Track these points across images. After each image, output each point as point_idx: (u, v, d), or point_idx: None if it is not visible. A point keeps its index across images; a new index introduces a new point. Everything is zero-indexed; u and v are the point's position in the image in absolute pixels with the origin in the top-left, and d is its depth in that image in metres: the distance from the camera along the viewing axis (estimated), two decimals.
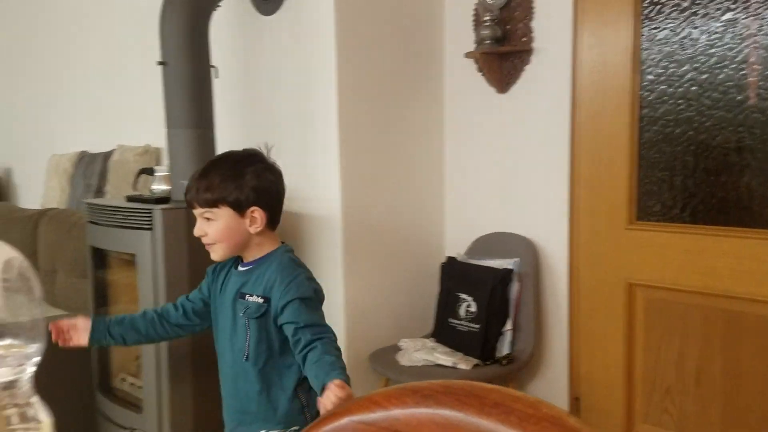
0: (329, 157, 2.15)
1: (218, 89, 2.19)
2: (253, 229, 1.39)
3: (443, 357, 2.03)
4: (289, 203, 2.26)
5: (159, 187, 2.18)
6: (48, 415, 0.53)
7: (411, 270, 2.36)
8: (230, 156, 1.46)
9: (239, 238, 1.40)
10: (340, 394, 1.14)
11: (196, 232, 1.41)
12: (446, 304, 2.21)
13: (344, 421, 0.58)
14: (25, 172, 4.29)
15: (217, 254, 1.42)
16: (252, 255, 1.43)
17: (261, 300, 1.37)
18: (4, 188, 4.41)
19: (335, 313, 2.16)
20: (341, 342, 2.16)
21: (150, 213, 1.89)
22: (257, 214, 1.38)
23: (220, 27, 2.29)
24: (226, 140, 2.26)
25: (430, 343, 2.17)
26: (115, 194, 3.00)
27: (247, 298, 1.39)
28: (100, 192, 3.12)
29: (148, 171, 2.23)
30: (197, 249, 1.91)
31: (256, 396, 1.38)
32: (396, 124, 2.31)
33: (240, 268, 1.45)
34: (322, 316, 1.37)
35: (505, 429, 0.51)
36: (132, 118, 3.20)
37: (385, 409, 0.58)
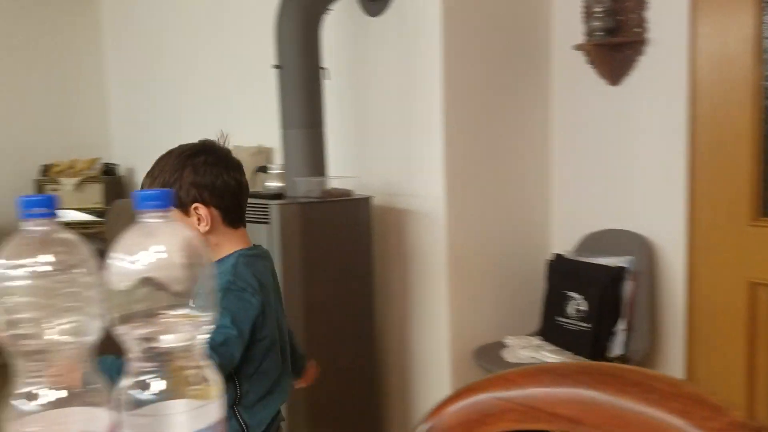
0: (433, 154, 2.18)
1: (328, 90, 2.28)
2: (202, 228, 1.26)
3: (551, 355, 2.01)
4: (392, 199, 2.33)
5: (273, 184, 2.29)
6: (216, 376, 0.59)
7: (515, 266, 2.35)
8: (175, 150, 1.35)
9: None
10: None
11: None
12: (553, 302, 2.18)
13: (482, 396, 0.61)
14: (146, 171, 4.63)
15: None
16: (216, 256, 1.31)
17: None
18: (127, 187, 4.79)
19: (437, 309, 2.19)
20: (444, 337, 2.22)
21: (267, 208, 2.00)
22: (201, 211, 1.26)
23: (329, 29, 2.39)
24: (336, 139, 2.35)
25: (536, 341, 2.15)
26: None
27: None
28: None
29: (263, 169, 2.36)
30: (311, 243, 2.00)
31: None
32: (501, 119, 2.31)
33: None
34: (239, 333, 1.20)
35: (645, 407, 0.51)
36: (246, 120, 3.38)
37: (520, 387, 0.60)
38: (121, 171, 4.81)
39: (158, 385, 0.57)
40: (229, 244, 1.31)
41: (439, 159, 2.16)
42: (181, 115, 4.08)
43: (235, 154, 3.65)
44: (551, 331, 2.17)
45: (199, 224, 1.27)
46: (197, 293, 0.58)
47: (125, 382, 0.57)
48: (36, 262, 0.55)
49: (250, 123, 3.34)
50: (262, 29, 3.01)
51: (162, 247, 0.58)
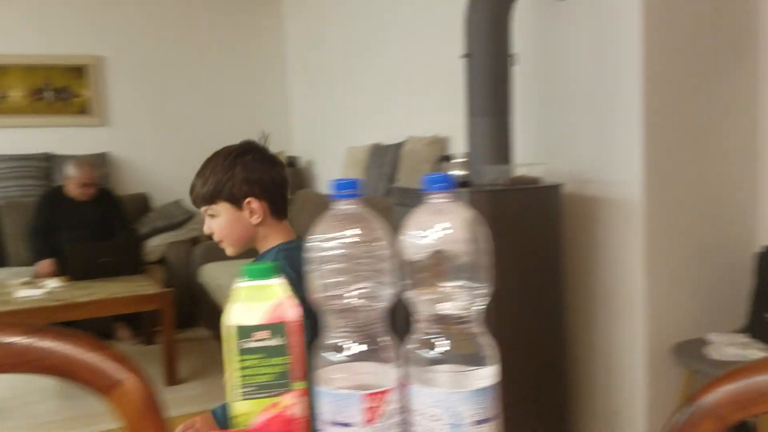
0: (630, 140, 2.10)
1: (515, 76, 2.28)
2: (254, 220, 1.35)
3: (761, 354, 1.86)
4: (583, 186, 2.28)
5: (456, 172, 2.34)
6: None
7: (718, 258, 2.20)
8: (222, 151, 1.41)
9: (243, 231, 1.37)
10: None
11: (204, 229, 1.42)
12: (763, 298, 2.01)
13: (760, 377, 0.60)
14: (324, 163, 4.93)
15: (228, 251, 1.42)
16: (261, 248, 1.40)
17: None
18: (307, 177, 5.13)
19: (632, 302, 2.11)
20: (640, 332, 2.13)
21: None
22: (254, 204, 1.35)
23: (517, 14, 2.38)
24: (523, 126, 2.34)
25: (743, 338, 2.00)
26: (407, 181, 3.30)
27: None
28: (392, 179, 3.46)
29: (446, 158, 2.42)
30: (499, 231, 2.02)
31: None
32: (704, 102, 2.16)
33: None
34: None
35: None
36: (420, 111, 3.48)
37: None
38: (302, 163, 5.17)
39: (441, 346, 0.63)
40: (276, 235, 1.38)
41: (637, 144, 2.08)
42: (356, 110, 4.29)
43: (409, 144, 3.75)
44: (760, 329, 2.00)
45: (251, 217, 1.35)
46: (475, 266, 0.64)
47: (413, 341, 0.64)
48: (345, 236, 0.64)
49: (425, 114, 3.43)
50: (441, 21, 3.08)
51: (449, 224, 0.64)
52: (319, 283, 0.64)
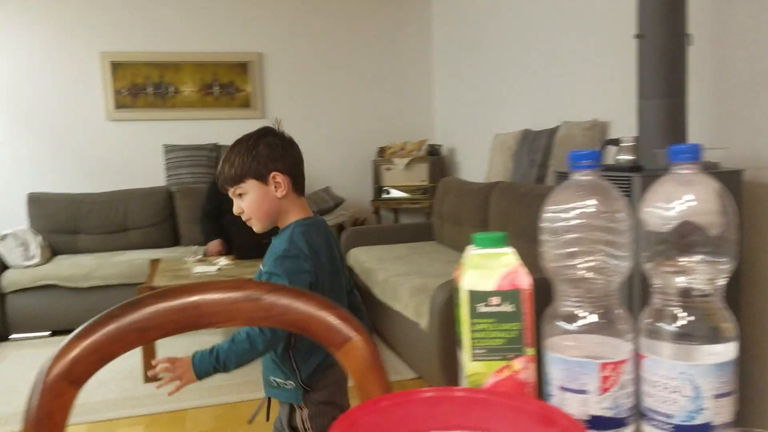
0: None
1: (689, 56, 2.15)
2: (279, 193, 1.47)
3: None
4: (765, 173, 2.11)
5: (624, 156, 2.26)
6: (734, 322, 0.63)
7: None
8: (243, 137, 1.51)
9: (270, 205, 1.47)
10: (168, 366, 1.38)
11: (235, 210, 1.50)
12: None
13: None
14: (467, 150, 4.94)
15: (256, 227, 1.50)
16: (282, 224, 1.50)
17: (260, 268, 1.48)
18: (449, 165, 5.17)
19: None
20: None
21: (629, 180, 1.99)
22: (279, 178, 1.46)
23: None
24: (696, 109, 2.21)
25: None
26: (562, 168, 3.23)
27: (260, 266, 1.49)
28: (544, 167, 3.39)
29: (614, 142, 2.33)
30: None
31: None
32: None
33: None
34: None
35: None
36: (576, 95, 3.38)
37: None
38: (444, 151, 5.21)
39: (682, 319, 0.63)
40: (295, 210, 1.50)
41: None
42: (504, 96, 4.24)
43: (564, 129, 3.66)
44: None
45: (276, 190, 1.47)
46: (723, 239, 0.63)
47: (652, 314, 0.64)
48: (583, 206, 0.65)
49: (581, 97, 3.32)
50: (602, 1, 2.96)
51: (696, 196, 0.64)
52: (554, 252, 0.66)
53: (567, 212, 0.65)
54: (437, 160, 5.03)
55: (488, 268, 0.67)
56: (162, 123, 4.93)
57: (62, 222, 4.50)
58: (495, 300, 0.67)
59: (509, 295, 0.66)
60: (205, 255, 4.09)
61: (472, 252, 0.68)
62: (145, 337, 0.79)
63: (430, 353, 2.50)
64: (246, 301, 0.83)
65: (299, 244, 1.44)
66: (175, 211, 4.77)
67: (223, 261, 3.75)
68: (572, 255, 0.65)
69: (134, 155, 4.90)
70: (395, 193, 5.05)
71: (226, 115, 5.05)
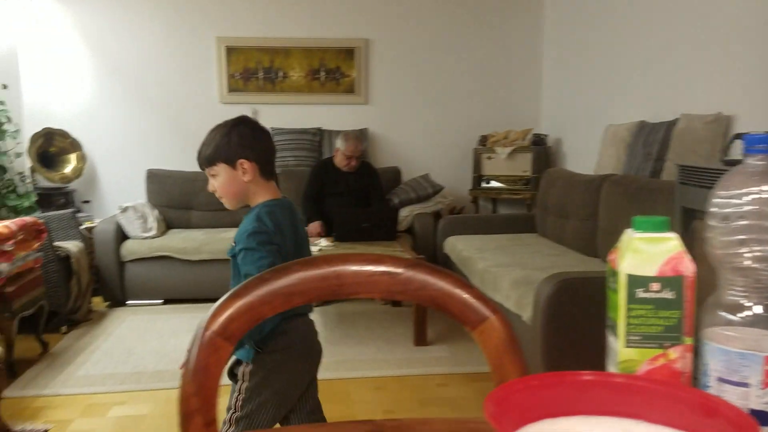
0: None
1: None
2: (246, 178, 1.62)
3: None
4: None
5: None
6: None
7: None
8: (221, 123, 1.67)
9: (237, 187, 1.63)
10: None
11: (209, 188, 1.67)
12: None
13: None
14: (574, 141, 4.79)
15: (227, 205, 1.68)
16: (252, 204, 1.66)
17: (233, 243, 1.60)
18: (554, 156, 5.03)
19: None
20: None
21: None
22: (246, 165, 1.61)
23: None
24: None
25: None
26: (680, 162, 3.06)
27: (232, 241, 1.63)
28: (660, 160, 3.23)
29: (742, 136, 2.19)
30: None
31: None
32: None
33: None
34: (261, 267, 1.46)
35: None
36: (697, 85, 3.19)
37: None
38: (549, 141, 5.08)
39: None
40: (263, 192, 1.66)
41: None
42: (617, 87, 4.07)
43: (684, 122, 3.50)
44: None
45: (243, 175, 1.62)
46: None
47: None
48: (759, 191, 0.62)
49: (703, 89, 3.13)
50: None
51: None
52: (722, 239, 0.63)
53: (739, 198, 0.62)
54: (542, 150, 4.91)
55: (649, 252, 0.65)
56: (270, 107, 5.11)
57: (176, 198, 4.78)
58: (655, 286, 0.64)
59: (671, 281, 0.64)
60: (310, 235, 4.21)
61: (632, 235, 0.66)
62: (289, 302, 0.83)
63: (534, 346, 2.46)
64: (384, 274, 0.85)
65: (266, 222, 1.59)
66: None
67: (323, 242, 3.85)
68: (741, 243, 0.62)
69: None
70: (495, 183, 4.99)
71: (331, 100, 5.16)
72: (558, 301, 2.38)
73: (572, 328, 2.43)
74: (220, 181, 1.64)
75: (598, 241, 3.44)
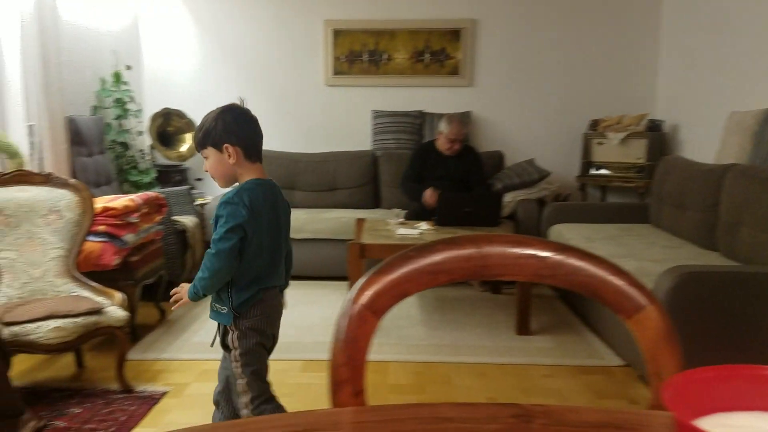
0: None
1: None
2: (231, 161, 1.81)
3: None
4: None
5: None
6: None
7: None
8: (211, 111, 1.85)
9: (225, 169, 1.83)
10: (177, 289, 1.92)
11: (204, 168, 1.88)
12: None
13: None
14: (693, 128, 4.50)
15: (218, 184, 1.88)
16: (239, 183, 1.85)
17: (215, 213, 1.81)
18: (670, 143, 4.75)
19: None
20: None
21: None
22: (230, 149, 1.81)
23: None
24: None
25: None
26: None
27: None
28: None
29: None
30: None
31: None
32: None
33: None
34: (227, 230, 1.75)
35: None
36: None
37: None
38: (666, 128, 4.80)
39: None
40: (248, 173, 1.84)
41: None
42: (743, 72, 3.77)
43: None
44: None
45: (229, 158, 1.81)
46: None
47: None
48: None
49: None
50: None
51: None
52: None
53: None
54: (657, 136, 4.65)
55: None
56: (373, 89, 5.14)
57: (281, 177, 4.92)
58: None
59: None
60: (423, 203, 4.19)
61: None
62: (435, 280, 0.82)
63: None
64: (531, 257, 0.82)
65: (243, 196, 1.79)
66: (378, 174, 4.99)
67: (424, 226, 3.84)
68: None
69: (346, 119, 5.18)
70: (604, 171, 4.78)
71: (434, 82, 5.12)
72: (680, 295, 2.25)
73: (694, 323, 2.30)
74: (210, 162, 1.85)
75: (718, 234, 3.22)
